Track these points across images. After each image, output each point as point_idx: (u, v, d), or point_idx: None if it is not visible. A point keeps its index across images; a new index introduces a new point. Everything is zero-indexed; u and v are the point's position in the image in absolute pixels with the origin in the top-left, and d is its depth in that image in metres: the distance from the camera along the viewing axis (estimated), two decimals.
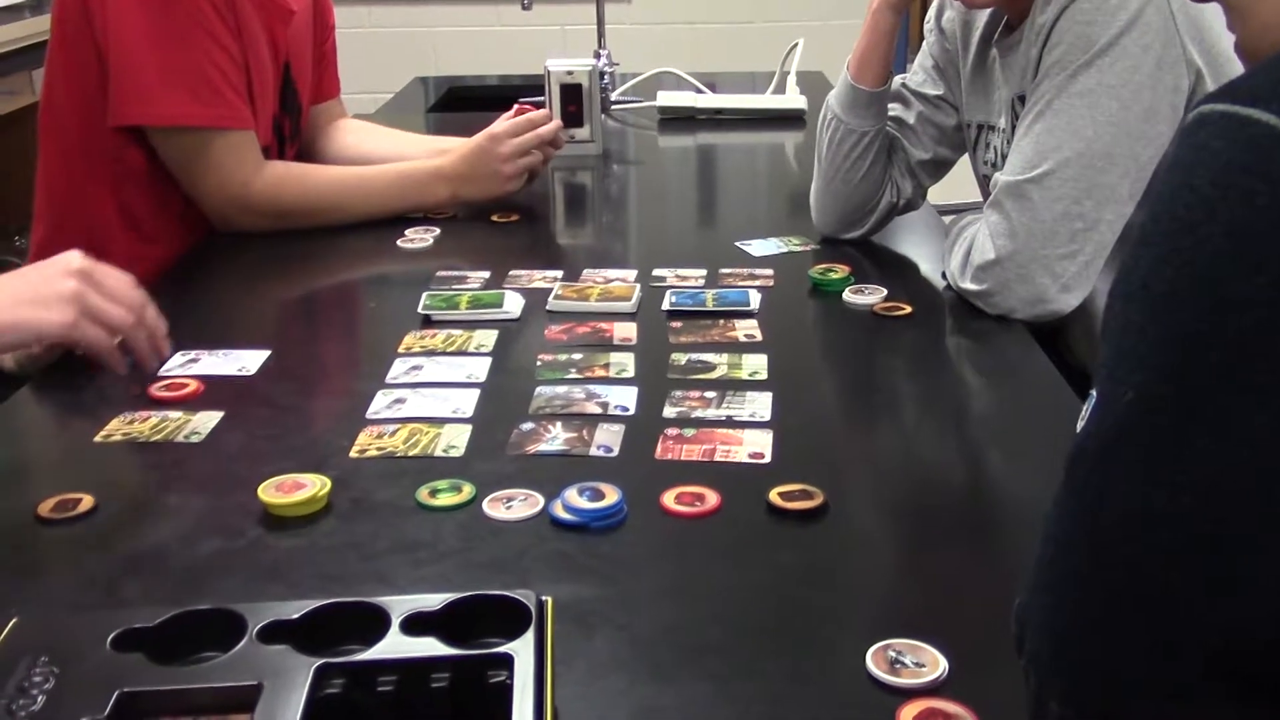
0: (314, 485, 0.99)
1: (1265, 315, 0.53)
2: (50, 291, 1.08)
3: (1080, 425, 0.61)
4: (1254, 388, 0.54)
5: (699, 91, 2.54)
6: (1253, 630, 0.57)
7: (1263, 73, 0.58)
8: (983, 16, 1.52)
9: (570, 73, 2.11)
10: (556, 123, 1.85)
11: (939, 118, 1.61)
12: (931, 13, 1.62)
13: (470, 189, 1.78)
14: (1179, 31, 1.28)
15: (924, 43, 1.64)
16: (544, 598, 0.75)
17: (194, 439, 1.13)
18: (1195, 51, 1.29)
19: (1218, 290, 0.54)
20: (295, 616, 0.73)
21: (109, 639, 0.71)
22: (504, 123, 1.80)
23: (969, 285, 1.36)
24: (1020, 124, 1.36)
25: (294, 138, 1.87)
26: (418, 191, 1.78)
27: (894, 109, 1.61)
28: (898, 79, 1.62)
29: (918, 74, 1.63)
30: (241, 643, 0.71)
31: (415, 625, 0.72)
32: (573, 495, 0.98)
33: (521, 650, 0.70)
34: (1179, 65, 1.28)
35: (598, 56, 2.61)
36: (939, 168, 1.64)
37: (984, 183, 1.58)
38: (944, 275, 1.44)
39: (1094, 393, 0.61)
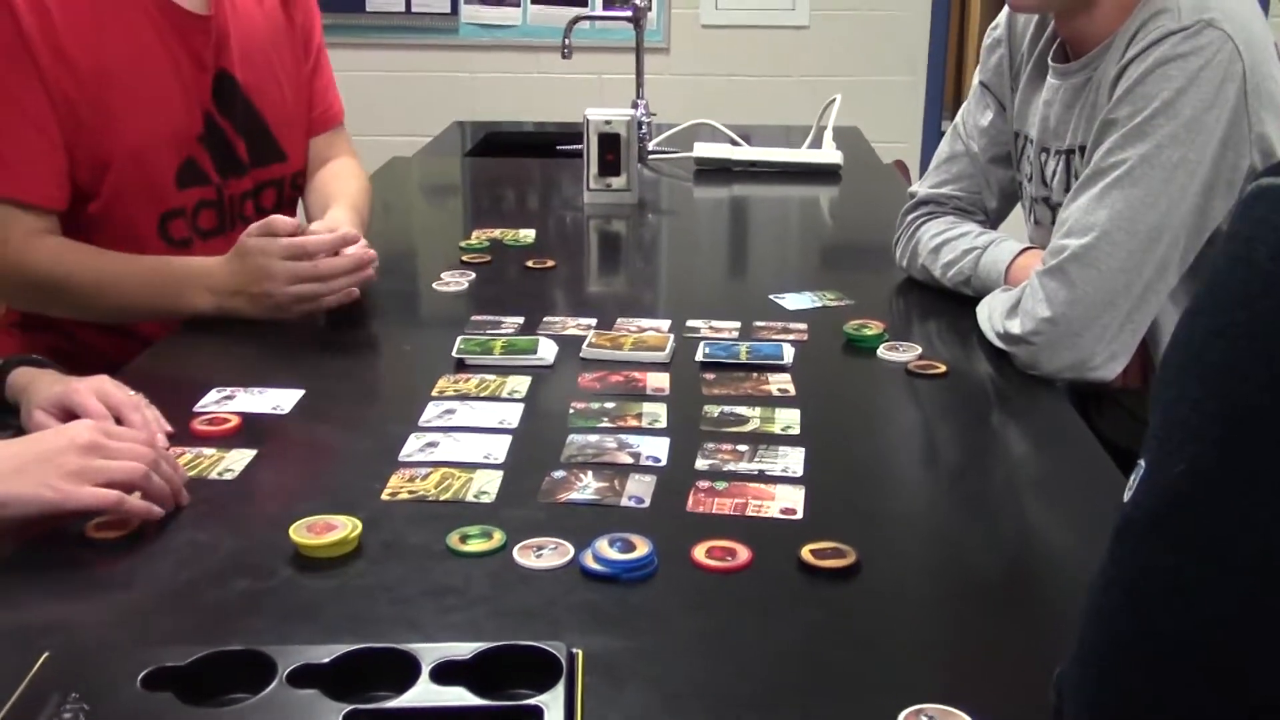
0: (345, 527, 0.99)
1: None
2: (51, 468, 1.00)
3: (1128, 495, 0.60)
4: None
5: (735, 143, 2.55)
6: None
7: None
8: (1037, 23, 1.53)
9: (609, 122, 2.13)
10: (358, 254, 1.52)
11: (1000, 174, 1.65)
12: (1001, 18, 1.62)
13: (240, 304, 1.50)
14: (1248, 110, 1.29)
15: (974, 84, 1.65)
16: (575, 650, 0.75)
17: (227, 476, 1.13)
18: (1271, 125, 1.30)
19: (1274, 365, 0.54)
20: (325, 661, 0.72)
21: (139, 677, 0.71)
22: (293, 239, 1.50)
23: (1015, 331, 1.36)
24: (1091, 182, 1.35)
25: (265, 159, 1.71)
26: (175, 295, 1.52)
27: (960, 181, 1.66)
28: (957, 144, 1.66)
29: (973, 136, 1.64)
30: (271, 685, 0.71)
31: (445, 674, 0.71)
32: (604, 546, 0.97)
33: (552, 703, 0.69)
34: (1243, 144, 1.30)
35: (635, 106, 2.63)
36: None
37: (1018, 188, 1.61)
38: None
39: (1142, 463, 0.60)
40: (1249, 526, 0.54)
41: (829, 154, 2.45)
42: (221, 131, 1.63)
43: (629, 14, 2.71)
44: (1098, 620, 0.61)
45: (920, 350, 1.42)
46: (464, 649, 0.73)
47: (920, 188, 1.69)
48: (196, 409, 1.26)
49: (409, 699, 0.69)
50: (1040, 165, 1.51)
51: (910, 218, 1.67)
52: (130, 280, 1.52)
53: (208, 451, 1.17)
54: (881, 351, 1.43)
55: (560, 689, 0.70)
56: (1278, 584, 0.54)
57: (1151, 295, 1.32)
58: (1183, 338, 0.59)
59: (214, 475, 1.13)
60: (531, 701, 0.69)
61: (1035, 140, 1.52)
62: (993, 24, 1.63)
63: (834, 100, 2.50)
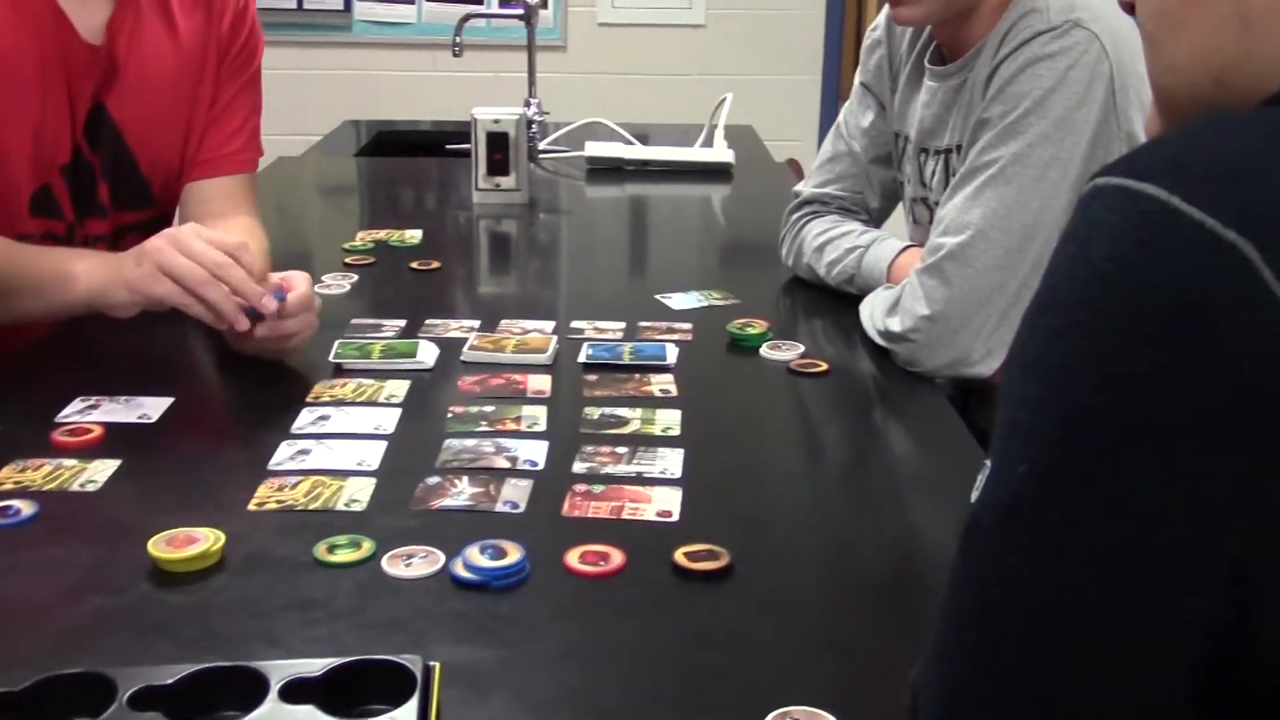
0: (207, 539, 0.96)
1: (1154, 393, 0.52)
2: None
3: (975, 495, 0.60)
4: (1143, 465, 0.53)
5: (628, 143, 2.54)
6: (1143, 710, 0.56)
7: (1157, 147, 0.58)
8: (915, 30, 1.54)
9: (497, 121, 2.11)
10: (266, 304, 1.30)
11: (881, 174, 1.65)
12: (880, 19, 1.62)
13: (107, 272, 1.36)
14: (1116, 108, 1.31)
15: (855, 85, 1.66)
16: (431, 663, 0.73)
17: (89, 488, 1.09)
18: (1139, 123, 1.32)
19: (1110, 366, 0.54)
20: (169, 681, 0.70)
21: None
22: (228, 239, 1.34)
23: (895, 329, 1.37)
24: (965, 181, 1.37)
25: (131, 203, 1.57)
26: (50, 264, 1.39)
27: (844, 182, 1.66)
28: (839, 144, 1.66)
29: (855, 137, 1.65)
30: (111, 709, 0.68)
31: (295, 692, 0.69)
32: (474, 553, 0.95)
33: (403, 718, 0.67)
34: (1112, 142, 1.32)
35: (528, 105, 2.61)
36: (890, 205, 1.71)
37: (899, 187, 1.62)
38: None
39: (988, 463, 0.60)
40: (1087, 527, 0.54)
41: (720, 153, 2.45)
42: (88, 168, 1.51)
43: (521, 12, 2.69)
44: (947, 623, 0.61)
45: (803, 349, 1.42)
46: (314, 665, 0.71)
47: (804, 187, 1.69)
48: (58, 419, 1.21)
49: (255, 719, 0.67)
50: (919, 165, 1.52)
51: (795, 217, 1.68)
52: (15, 252, 1.40)
53: (68, 463, 1.13)
54: (764, 350, 1.43)
55: (414, 704, 0.69)
56: (1118, 586, 0.54)
57: (1026, 292, 1.33)
58: (1025, 338, 0.59)
59: (75, 487, 1.09)
60: (383, 719, 0.67)
61: (914, 141, 1.53)
62: (872, 25, 1.64)
63: (725, 99, 2.50)
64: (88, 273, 1.37)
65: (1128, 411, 0.53)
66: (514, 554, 0.96)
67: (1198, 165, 0.54)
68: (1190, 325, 0.52)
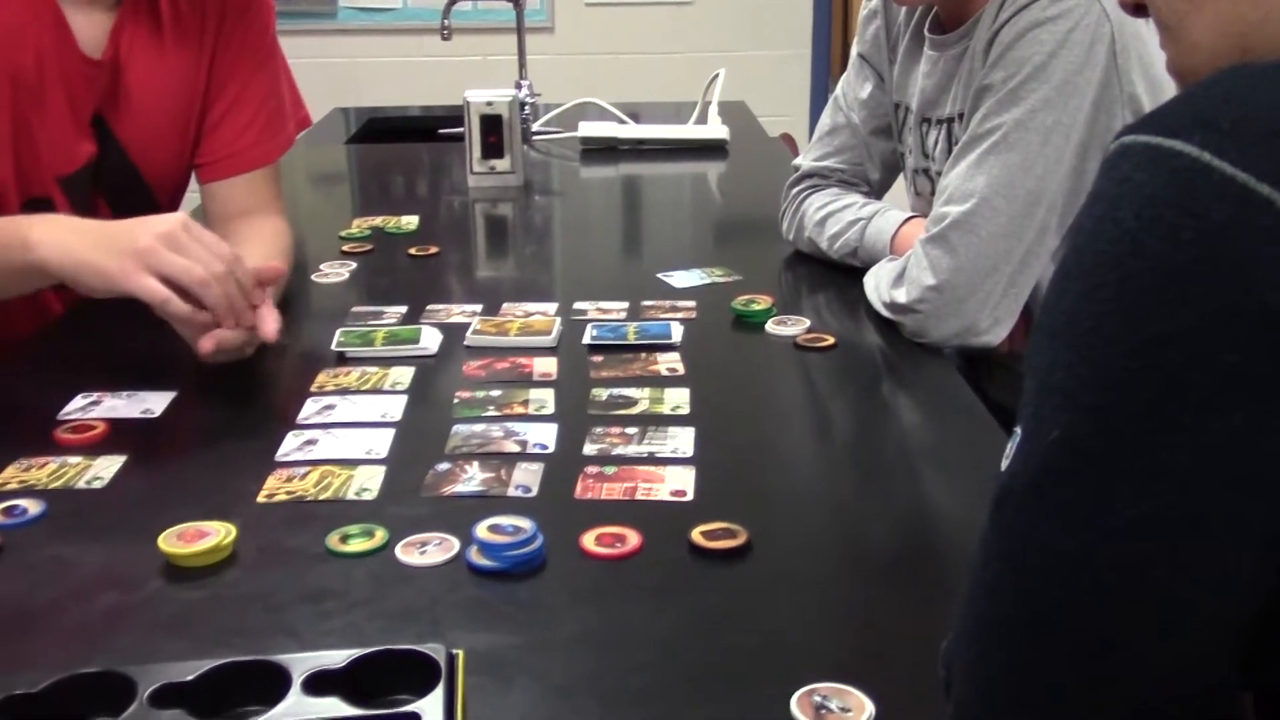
0: (218, 533, 0.95)
1: (1190, 353, 0.51)
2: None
3: (1005, 464, 0.59)
4: (1179, 427, 0.52)
5: (621, 122, 2.53)
6: (1181, 677, 0.55)
7: (1183, 103, 0.56)
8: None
9: (490, 104, 2.09)
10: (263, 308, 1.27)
11: (881, 145, 1.64)
12: None
13: (87, 246, 1.22)
14: (1118, 70, 1.29)
15: (853, 57, 1.64)
16: (455, 651, 0.72)
17: (95, 485, 1.08)
18: (1141, 85, 1.30)
19: (1143, 327, 0.52)
20: (190, 678, 0.69)
21: None
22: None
23: (901, 300, 1.36)
24: (968, 149, 1.35)
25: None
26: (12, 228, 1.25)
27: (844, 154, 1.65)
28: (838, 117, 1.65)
29: (854, 109, 1.63)
30: (131, 708, 0.67)
31: (318, 684, 0.68)
32: (484, 530, 0.94)
33: (430, 708, 0.66)
34: (1115, 105, 1.30)
35: (519, 87, 2.59)
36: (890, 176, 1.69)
37: (900, 159, 1.61)
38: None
39: (1018, 430, 0.59)
40: (1121, 495, 0.53)
41: (714, 129, 2.44)
42: (86, 181, 1.48)
43: None
44: (979, 593, 0.60)
45: (809, 323, 1.41)
46: (337, 657, 0.70)
47: (804, 160, 1.68)
48: (60, 416, 1.20)
49: (279, 713, 0.66)
50: (921, 136, 1.51)
51: (795, 191, 1.66)
52: None
53: (73, 460, 1.12)
54: (770, 326, 1.42)
55: (439, 693, 0.68)
56: (1154, 553, 0.53)
57: (1032, 259, 1.32)
58: (1053, 302, 0.57)
59: (81, 485, 1.08)
60: (409, 708, 0.66)
61: (916, 111, 1.51)
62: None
63: (717, 75, 2.48)
64: (51, 244, 1.23)
65: (1162, 373, 0.52)
66: (525, 526, 0.94)
67: (1227, 120, 0.53)
68: (1225, 282, 0.51)
